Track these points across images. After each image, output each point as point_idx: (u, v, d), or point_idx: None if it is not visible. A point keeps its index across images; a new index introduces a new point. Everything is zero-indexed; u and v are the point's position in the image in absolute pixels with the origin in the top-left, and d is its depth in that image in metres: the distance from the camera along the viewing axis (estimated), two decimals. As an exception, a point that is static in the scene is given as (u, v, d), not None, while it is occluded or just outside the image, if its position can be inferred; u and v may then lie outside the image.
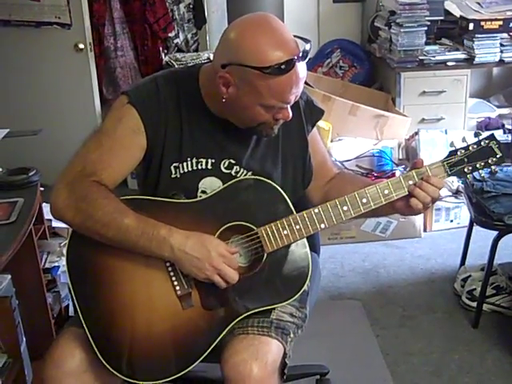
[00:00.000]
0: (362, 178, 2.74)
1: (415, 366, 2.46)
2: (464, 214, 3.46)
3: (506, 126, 3.92)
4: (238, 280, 1.53)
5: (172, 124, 1.60)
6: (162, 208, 1.57)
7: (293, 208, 1.59)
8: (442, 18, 4.01)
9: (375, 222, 3.42)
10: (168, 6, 4.16)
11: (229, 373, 1.48)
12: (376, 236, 3.45)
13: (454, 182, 3.52)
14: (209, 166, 1.63)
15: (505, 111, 4.18)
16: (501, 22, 3.86)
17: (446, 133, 3.67)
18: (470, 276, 2.87)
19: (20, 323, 2.09)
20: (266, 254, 1.57)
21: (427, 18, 3.88)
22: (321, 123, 1.87)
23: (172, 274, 1.54)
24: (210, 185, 1.62)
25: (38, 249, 2.27)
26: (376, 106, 3.81)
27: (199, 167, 1.62)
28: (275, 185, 1.60)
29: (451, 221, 3.58)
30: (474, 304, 2.71)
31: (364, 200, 1.57)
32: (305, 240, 1.60)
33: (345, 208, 1.57)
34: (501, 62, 3.94)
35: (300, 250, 1.61)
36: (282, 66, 1.44)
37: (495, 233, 2.54)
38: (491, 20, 3.87)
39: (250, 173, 1.64)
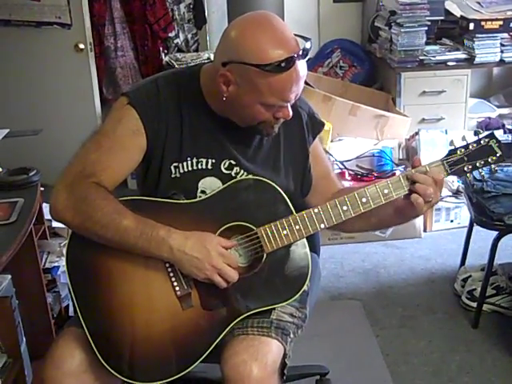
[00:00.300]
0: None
1: (415, 366, 2.46)
2: (464, 214, 3.46)
3: (507, 126, 3.92)
4: (237, 280, 1.53)
5: (172, 124, 1.60)
6: (161, 208, 1.57)
7: (292, 208, 1.59)
8: (442, 17, 4.01)
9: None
10: (168, 6, 4.16)
11: (229, 373, 1.48)
12: (376, 236, 3.45)
13: (454, 182, 3.52)
14: (209, 166, 1.63)
15: (505, 111, 4.18)
16: (501, 22, 3.86)
17: (446, 133, 3.67)
18: (470, 276, 2.86)
19: (20, 323, 2.10)
20: (265, 255, 1.56)
21: (427, 18, 3.88)
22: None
23: (172, 274, 1.54)
24: (210, 185, 1.62)
25: (38, 249, 2.27)
26: (376, 106, 3.81)
27: (199, 167, 1.62)
28: (275, 185, 1.60)
29: (451, 221, 3.58)
30: (474, 304, 2.71)
31: (364, 199, 1.57)
32: (304, 240, 1.60)
33: (344, 208, 1.57)
34: (501, 61, 3.94)
35: (300, 250, 1.60)
36: (282, 64, 1.44)
37: (495, 233, 2.54)
38: (491, 20, 3.87)
39: (249, 175, 1.63)
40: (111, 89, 4.20)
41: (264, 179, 1.61)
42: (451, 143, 1.47)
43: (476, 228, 2.85)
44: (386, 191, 1.57)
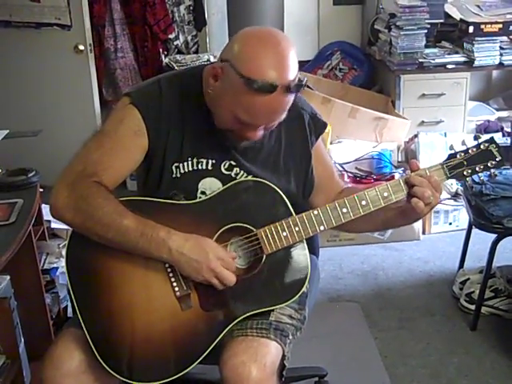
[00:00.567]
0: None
1: (413, 368, 2.46)
2: (463, 217, 3.46)
3: (505, 129, 3.93)
4: (236, 282, 1.53)
5: (174, 125, 1.60)
6: (161, 209, 1.57)
7: (292, 210, 1.59)
8: (441, 20, 4.02)
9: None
10: (168, 8, 4.16)
11: (227, 375, 1.48)
12: (375, 238, 3.45)
13: (453, 185, 3.53)
14: (209, 167, 1.63)
15: (504, 114, 4.18)
16: (500, 25, 3.86)
17: (445, 135, 3.67)
18: (468, 279, 2.87)
19: (19, 324, 2.09)
20: (265, 256, 1.57)
21: (427, 21, 3.89)
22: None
23: (171, 275, 1.54)
24: (210, 185, 1.62)
25: (37, 250, 2.27)
26: (376, 109, 3.81)
27: (199, 167, 1.62)
28: (275, 187, 1.60)
29: (450, 223, 3.58)
30: (473, 307, 2.71)
31: (363, 202, 1.57)
32: (304, 242, 1.60)
33: (344, 210, 1.57)
34: (500, 65, 3.94)
35: (299, 251, 1.60)
36: (265, 86, 1.42)
37: (494, 236, 2.54)
38: (491, 23, 3.87)
39: (250, 176, 1.64)
40: (111, 90, 4.20)
41: (264, 181, 1.61)
42: (451, 147, 1.47)
43: (474, 231, 2.86)
44: (385, 194, 1.58)
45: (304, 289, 1.61)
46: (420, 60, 3.90)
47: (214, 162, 1.63)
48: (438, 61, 3.91)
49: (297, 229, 1.56)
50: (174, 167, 1.62)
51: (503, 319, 2.72)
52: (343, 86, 4.33)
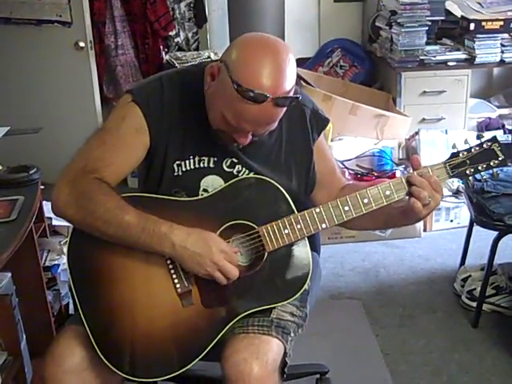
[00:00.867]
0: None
1: (415, 365, 2.46)
2: (464, 214, 3.46)
3: (507, 127, 3.92)
4: (238, 278, 1.53)
5: (175, 123, 1.60)
6: (163, 206, 1.57)
7: (294, 207, 1.59)
8: (442, 17, 4.00)
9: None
10: (169, 5, 4.16)
11: (229, 372, 1.48)
12: (376, 236, 3.45)
13: (455, 182, 3.53)
14: (211, 165, 1.63)
15: (505, 111, 4.17)
16: (502, 23, 3.85)
17: (446, 133, 3.67)
18: (469, 276, 2.87)
19: (20, 321, 2.10)
20: (266, 253, 1.56)
21: (428, 18, 3.88)
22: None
23: (173, 271, 1.54)
24: (212, 183, 1.62)
25: (38, 247, 2.27)
26: (376, 106, 3.81)
27: (201, 165, 1.62)
28: (277, 184, 1.60)
29: (451, 221, 3.58)
30: (474, 304, 2.72)
31: (365, 200, 1.57)
32: (306, 239, 1.60)
33: (346, 208, 1.57)
34: (501, 62, 3.93)
35: (301, 249, 1.60)
36: (252, 94, 1.41)
37: (495, 233, 2.54)
38: (492, 20, 3.86)
39: (251, 173, 1.63)
40: (111, 87, 4.19)
41: (266, 178, 1.61)
42: (454, 146, 1.46)
43: (476, 228, 2.86)
44: (387, 193, 1.57)
45: (306, 286, 1.61)
46: (421, 57, 3.89)
47: (215, 159, 1.63)
48: (438, 58, 3.90)
49: (299, 226, 1.56)
50: (175, 165, 1.61)
51: (504, 316, 2.72)
52: (344, 83, 4.32)
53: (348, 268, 3.23)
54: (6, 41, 3.70)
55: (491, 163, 1.58)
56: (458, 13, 3.98)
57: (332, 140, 3.65)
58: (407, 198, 1.57)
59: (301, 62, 4.26)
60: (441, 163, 1.59)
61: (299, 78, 3.85)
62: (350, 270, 3.21)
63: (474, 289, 2.77)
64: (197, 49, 4.38)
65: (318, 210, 1.57)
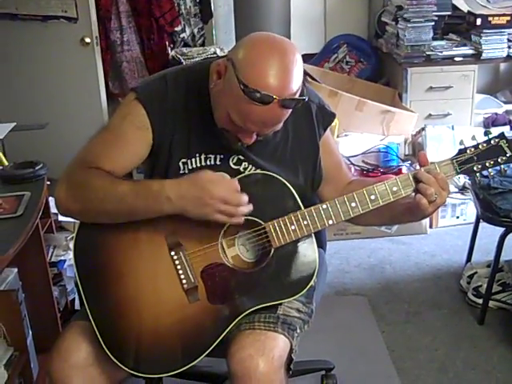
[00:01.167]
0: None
1: (421, 362, 2.46)
2: (470, 211, 3.45)
3: (513, 122, 3.91)
4: (244, 274, 1.53)
5: (180, 120, 1.60)
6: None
7: (301, 203, 1.59)
8: (449, 13, 3.99)
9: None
10: (174, 0, 4.15)
11: (235, 368, 1.47)
12: (382, 232, 3.44)
13: (461, 178, 3.51)
14: (217, 162, 1.62)
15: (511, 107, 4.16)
16: (508, 18, 3.84)
17: (452, 128, 3.65)
18: (476, 273, 2.86)
19: (26, 316, 2.10)
20: (273, 249, 1.56)
21: (434, 13, 3.86)
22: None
23: (179, 267, 1.54)
24: (219, 181, 1.62)
25: (44, 242, 2.27)
26: (383, 102, 3.80)
27: (208, 163, 1.62)
28: (283, 180, 1.59)
29: (457, 217, 3.57)
30: (480, 301, 2.71)
31: (372, 197, 1.56)
32: (312, 235, 1.60)
33: (353, 204, 1.56)
34: (508, 57, 3.92)
35: (307, 245, 1.60)
36: (258, 95, 1.40)
37: (502, 229, 2.53)
38: (499, 15, 3.85)
39: (258, 169, 1.63)
40: (117, 83, 4.19)
41: (272, 174, 1.60)
42: (461, 142, 1.46)
43: (482, 224, 2.85)
44: (394, 189, 1.57)
45: (312, 282, 1.61)
46: (427, 53, 3.88)
47: (222, 157, 1.62)
48: (445, 53, 3.89)
49: (305, 222, 1.56)
50: (181, 163, 1.61)
51: (510, 313, 2.71)
52: (350, 78, 4.31)
53: (354, 264, 3.23)
54: (12, 37, 3.71)
55: (499, 159, 1.57)
56: (465, 8, 3.97)
57: (338, 136, 3.64)
58: (414, 194, 1.56)
59: (307, 58, 4.25)
60: (448, 159, 1.58)
61: (305, 73, 3.83)
62: (355, 267, 3.21)
63: (480, 285, 2.77)
64: (203, 44, 4.37)
65: (324, 206, 1.56)
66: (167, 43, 4.15)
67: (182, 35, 4.24)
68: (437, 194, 1.53)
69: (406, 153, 3.73)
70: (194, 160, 1.62)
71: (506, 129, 3.69)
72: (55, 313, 2.33)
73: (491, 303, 2.70)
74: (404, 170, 3.50)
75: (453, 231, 3.52)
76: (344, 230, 3.44)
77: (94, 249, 1.55)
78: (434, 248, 3.36)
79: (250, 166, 1.63)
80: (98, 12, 3.81)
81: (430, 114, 3.91)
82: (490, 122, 3.97)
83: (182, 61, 3.80)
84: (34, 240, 2.14)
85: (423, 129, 3.67)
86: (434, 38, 3.92)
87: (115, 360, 1.50)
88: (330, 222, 1.57)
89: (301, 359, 1.68)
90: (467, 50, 3.91)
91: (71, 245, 1.58)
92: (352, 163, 3.53)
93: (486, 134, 1.59)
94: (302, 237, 1.57)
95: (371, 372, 2.40)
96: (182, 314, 1.54)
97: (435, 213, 3.49)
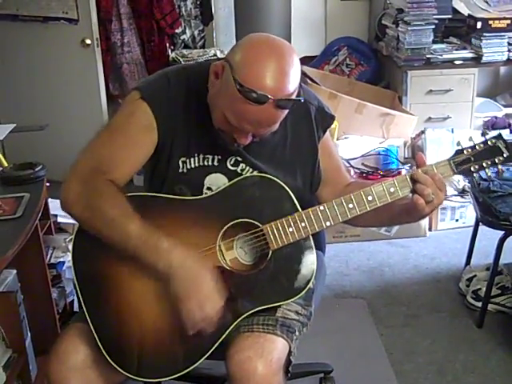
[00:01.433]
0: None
1: (419, 365, 2.46)
2: (470, 214, 3.45)
3: (513, 125, 3.92)
4: (243, 277, 1.53)
5: (182, 119, 1.60)
6: (167, 205, 1.57)
7: (298, 205, 1.59)
8: (449, 16, 4.00)
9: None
10: (175, 3, 4.16)
11: (233, 370, 1.47)
12: (381, 235, 3.44)
13: (460, 182, 3.51)
14: (215, 163, 1.62)
15: (511, 110, 4.16)
16: (509, 21, 3.85)
17: (452, 132, 3.65)
18: (475, 276, 2.86)
19: (25, 318, 2.10)
20: (271, 252, 1.56)
21: (435, 17, 3.87)
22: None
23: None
24: (216, 181, 1.62)
25: (43, 244, 2.27)
26: (382, 105, 3.80)
27: (205, 163, 1.62)
28: (281, 182, 1.59)
29: (457, 220, 3.57)
30: (479, 304, 2.71)
31: (370, 198, 1.56)
32: (310, 237, 1.60)
33: (350, 206, 1.56)
34: (508, 61, 3.92)
35: (305, 247, 1.60)
36: (253, 95, 1.41)
37: (501, 232, 2.53)
38: (499, 19, 3.85)
39: (255, 171, 1.63)
40: (117, 85, 4.20)
41: (270, 176, 1.60)
42: (458, 143, 1.46)
43: (481, 227, 2.85)
44: (392, 190, 1.57)
45: (310, 285, 1.61)
46: (427, 56, 3.89)
47: (219, 157, 1.62)
48: (445, 56, 3.90)
49: (303, 224, 1.56)
50: (180, 162, 1.61)
51: (509, 316, 2.71)
52: (350, 81, 4.32)
53: (353, 267, 3.23)
54: (13, 38, 3.72)
55: (496, 160, 1.57)
56: (465, 11, 3.97)
57: (338, 138, 3.64)
58: (411, 195, 1.56)
59: (307, 60, 4.26)
60: (445, 160, 1.58)
61: (305, 75, 3.84)
62: (354, 269, 3.20)
63: (480, 289, 2.77)
64: (203, 46, 4.38)
65: (322, 207, 1.56)
66: (167, 45, 4.17)
67: (182, 37, 4.25)
68: (434, 194, 1.53)
69: (406, 156, 3.72)
70: (192, 159, 1.62)
71: (505, 132, 3.69)
72: (54, 314, 2.33)
73: (490, 306, 2.70)
74: (403, 172, 3.49)
75: (452, 234, 3.52)
76: (343, 232, 3.43)
77: (93, 252, 1.54)
78: (433, 251, 3.36)
79: (248, 168, 1.63)
80: (98, 14, 3.82)
81: (430, 117, 3.91)
82: (490, 125, 3.98)
83: (182, 62, 3.82)
84: (33, 241, 2.14)
85: (423, 132, 3.67)
86: (434, 42, 3.93)
87: (113, 363, 1.50)
88: (328, 223, 1.57)
89: (299, 362, 1.67)
90: (467, 54, 3.92)
91: (70, 247, 1.57)
92: (352, 166, 3.53)
93: (483, 134, 1.59)
94: (299, 239, 1.57)
95: (370, 375, 2.40)
96: (180, 318, 1.53)
97: (434, 216, 3.51)
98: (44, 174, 2.31)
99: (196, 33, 4.35)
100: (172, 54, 4.09)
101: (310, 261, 1.60)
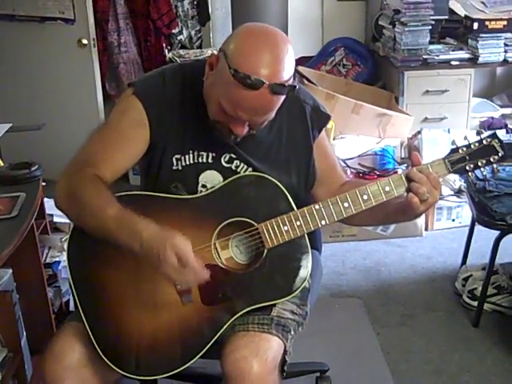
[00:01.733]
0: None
1: (415, 364, 2.46)
2: (466, 214, 3.46)
3: (509, 126, 3.92)
4: (238, 275, 1.54)
5: (176, 116, 1.60)
6: (161, 204, 1.57)
7: (293, 204, 1.59)
8: (446, 17, 4.00)
9: (376, 220, 3.41)
10: (172, 3, 4.16)
11: (229, 369, 1.47)
12: (377, 234, 3.45)
13: (456, 181, 3.52)
14: (209, 160, 1.63)
15: (508, 111, 4.17)
16: (505, 22, 3.85)
17: (448, 132, 3.66)
18: (471, 275, 2.86)
19: (20, 318, 2.10)
20: (266, 250, 1.56)
21: (431, 17, 3.87)
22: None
23: (172, 269, 1.53)
24: (211, 178, 1.62)
25: (39, 244, 2.27)
26: (379, 105, 3.81)
27: (200, 160, 1.62)
28: (276, 181, 1.60)
29: (453, 220, 3.58)
30: (475, 303, 2.71)
31: (365, 197, 1.57)
32: (306, 236, 1.60)
33: (346, 204, 1.56)
34: (505, 61, 3.93)
35: (301, 246, 1.60)
36: (249, 80, 1.41)
37: (497, 232, 2.53)
38: (496, 20, 3.86)
39: (250, 168, 1.64)
40: (114, 84, 4.20)
41: (265, 175, 1.60)
42: (453, 142, 1.47)
43: (477, 227, 2.85)
44: (387, 189, 1.57)
45: (306, 284, 1.61)
46: (424, 56, 3.89)
47: (214, 155, 1.63)
48: (442, 57, 3.90)
49: (298, 223, 1.56)
50: (174, 159, 1.62)
51: (505, 316, 2.71)
52: (347, 82, 4.32)
53: (349, 266, 3.23)
54: (10, 38, 3.71)
55: (491, 159, 1.58)
56: (462, 12, 3.98)
57: (334, 138, 3.65)
58: (405, 194, 1.57)
59: (304, 61, 4.26)
60: (440, 159, 1.59)
61: (302, 76, 3.85)
62: (351, 269, 3.21)
63: (475, 288, 2.77)
64: (200, 47, 4.39)
65: (317, 206, 1.57)
66: (164, 45, 4.17)
67: (179, 37, 4.25)
68: (429, 193, 1.53)
69: (402, 156, 3.73)
70: (187, 156, 1.62)
71: (502, 132, 3.69)
72: (49, 314, 2.33)
73: (486, 306, 2.71)
74: (400, 173, 3.49)
75: (448, 234, 3.52)
76: (340, 232, 3.44)
77: (88, 251, 1.55)
78: (429, 251, 3.36)
79: (242, 165, 1.63)
80: (95, 14, 3.81)
81: (427, 118, 3.91)
82: (486, 125, 3.98)
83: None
84: (29, 241, 2.14)
85: (419, 132, 3.68)
86: (430, 42, 3.93)
87: (109, 362, 1.50)
88: (323, 222, 1.57)
89: (295, 361, 1.68)
90: (464, 54, 3.92)
91: (66, 246, 1.57)
92: (348, 166, 3.54)
93: (479, 133, 1.60)
94: (295, 237, 1.57)
95: (366, 374, 2.40)
96: (175, 316, 1.54)
97: (431, 215, 3.52)
98: (40, 174, 2.31)
99: (193, 33, 4.36)
100: (169, 54, 4.09)
101: (305, 260, 1.60)
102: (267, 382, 1.48)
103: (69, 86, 3.79)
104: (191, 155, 1.62)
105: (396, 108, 3.88)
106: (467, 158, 1.57)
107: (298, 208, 1.58)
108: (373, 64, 4.42)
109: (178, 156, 1.62)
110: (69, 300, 2.61)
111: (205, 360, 1.58)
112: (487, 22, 3.84)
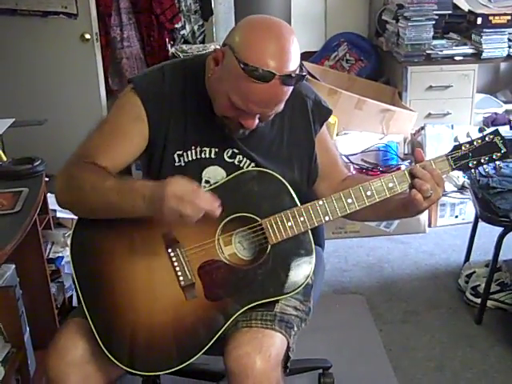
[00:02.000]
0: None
1: (418, 361, 2.46)
2: (469, 210, 3.45)
3: (513, 122, 3.90)
4: (242, 271, 1.54)
5: (176, 113, 1.60)
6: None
7: (297, 200, 1.59)
8: (450, 12, 3.99)
9: (380, 216, 3.41)
10: (175, -3, 4.14)
11: (232, 365, 1.47)
12: (380, 231, 3.44)
13: (460, 178, 3.51)
14: (212, 155, 1.62)
15: (511, 107, 4.16)
16: (509, 17, 3.84)
17: (452, 128, 3.65)
18: (474, 272, 2.86)
19: (24, 313, 2.10)
20: (269, 246, 1.56)
21: (435, 12, 3.86)
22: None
23: (176, 264, 1.54)
24: (214, 174, 1.62)
25: (42, 239, 2.26)
26: (382, 100, 3.80)
27: (202, 156, 1.62)
28: (279, 176, 1.59)
29: (456, 216, 3.57)
30: (478, 300, 2.71)
31: (368, 193, 1.56)
32: (309, 232, 1.60)
33: (349, 200, 1.56)
34: (508, 57, 3.92)
35: (304, 242, 1.60)
36: (259, 73, 1.41)
37: (500, 229, 2.53)
38: (499, 15, 3.85)
39: (253, 163, 1.63)
40: (117, 79, 4.18)
41: (268, 171, 1.60)
42: (456, 139, 1.47)
43: (481, 224, 2.85)
44: (390, 185, 1.57)
45: (309, 280, 1.61)
46: (427, 51, 3.88)
47: (217, 150, 1.62)
48: (445, 52, 3.89)
49: (302, 219, 1.56)
50: (176, 155, 1.61)
51: (508, 313, 2.71)
52: (350, 77, 4.31)
53: (352, 263, 3.23)
54: (12, 32, 3.70)
55: (493, 156, 1.58)
56: (466, 7, 3.97)
57: (337, 134, 3.64)
58: (408, 190, 1.56)
59: (307, 56, 4.25)
60: (443, 155, 1.58)
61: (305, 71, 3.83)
62: (354, 265, 3.20)
63: (479, 285, 2.77)
64: (203, 41, 4.37)
65: (321, 202, 1.56)
66: (167, 40, 4.15)
67: (182, 32, 4.24)
68: (432, 189, 1.53)
69: (406, 152, 3.72)
70: (189, 152, 1.62)
71: (505, 128, 3.68)
72: (53, 309, 2.32)
73: (489, 303, 2.70)
74: (403, 168, 3.48)
75: (451, 230, 3.52)
76: (343, 228, 3.43)
77: (91, 246, 1.55)
78: (432, 247, 3.35)
79: (245, 160, 1.63)
80: (98, 8, 3.80)
81: (430, 113, 3.90)
82: (490, 121, 3.97)
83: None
84: (32, 236, 2.14)
85: (423, 128, 3.67)
86: (434, 37, 3.92)
87: (112, 358, 1.49)
88: (327, 218, 1.57)
89: (298, 357, 1.68)
90: (467, 50, 3.91)
91: (69, 241, 1.57)
92: (351, 161, 3.53)
93: (481, 130, 1.59)
94: (298, 233, 1.57)
95: (368, 371, 2.40)
96: (179, 312, 1.54)
97: (434, 212, 3.51)
98: (43, 169, 2.31)
99: (196, 28, 4.34)
100: (172, 49, 4.07)
101: (308, 256, 1.60)
102: (270, 379, 1.48)
103: (71, 81, 3.78)
104: (194, 151, 1.62)
105: (399, 103, 3.87)
106: (470, 154, 1.57)
107: (300, 204, 1.58)
108: (376, 59, 4.41)
109: (179, 152, 1.61)
110: (72, 295, 2.61)
111: (208, 356, 1.58)
112: (491, 17, 3.83)
